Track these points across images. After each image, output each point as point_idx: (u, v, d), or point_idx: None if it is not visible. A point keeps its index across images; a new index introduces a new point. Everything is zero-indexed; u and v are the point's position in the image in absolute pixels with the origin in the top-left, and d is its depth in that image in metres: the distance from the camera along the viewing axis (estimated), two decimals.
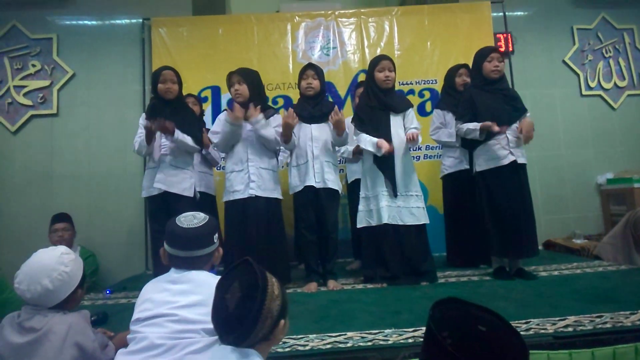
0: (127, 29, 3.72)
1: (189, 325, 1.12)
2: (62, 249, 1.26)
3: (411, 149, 2.98)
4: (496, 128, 2.28)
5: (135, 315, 1.18)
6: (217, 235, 1.29)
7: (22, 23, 3.63)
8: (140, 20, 3.71)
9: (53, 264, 1.19)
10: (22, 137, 3.58)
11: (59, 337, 1.11)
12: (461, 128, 2.43)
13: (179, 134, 2.35)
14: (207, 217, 1.29)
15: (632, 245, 2.61)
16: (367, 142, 2.35)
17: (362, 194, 2.45)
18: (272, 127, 2.38)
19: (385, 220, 2.30)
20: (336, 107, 2.43)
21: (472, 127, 2.36)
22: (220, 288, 0.97)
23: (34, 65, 3.60)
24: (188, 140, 2.39)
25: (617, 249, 2.67)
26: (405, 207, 2.34)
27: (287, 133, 2.35)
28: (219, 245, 1.33)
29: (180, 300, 1.15)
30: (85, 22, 3.71)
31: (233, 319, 0.90)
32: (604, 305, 1.69)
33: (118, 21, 3.74)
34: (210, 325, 1.10)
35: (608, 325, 1.46)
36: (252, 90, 2.38)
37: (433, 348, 0.63)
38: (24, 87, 3.58)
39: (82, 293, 1.29)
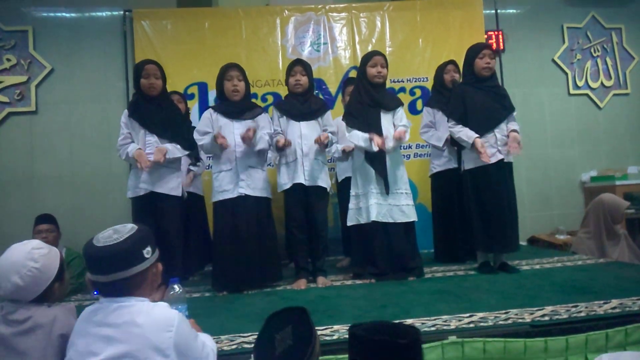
0: (108, 21, 3.56)
1: None
2: (34, 243, 1.23)
3: (401, 147, 2.98)
4: (486, 159, 2.28)
5: None
6: (149, 248, 1.07)
7: None
8: (122, 12, 3.54)
9: (22, 260, 1.17)
10: None
11: (44, 330, 1.11)
12: (454, 132, 2.44)
13: (169, 154, 2.30)
14: (135, 228, 1.07)
15: (604, 235, 2.71)
16: (359, 137, 2.34)
17: (352, 192, 2.46)
18: (264, 137, 2.36)
19: (373, 218, 2.32)
20: (323, 134, 2.39)
21: (465, 139, 2.37)
22: (271, 322, 0.96)
23: (8, 60, 3.41)
24: (177, 152, 2.36)
25: (592, 241, 2.77)
26: (396, 205, 2.36)
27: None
28: (157, 260, 1.10)
29: (104, 350, 0.97)
30: (63, 14, 3.53)
31: None
32: (580, 296, 1.77)
33: (98, 13, 3.56)
34: None
35: (582, 314, 1.54)
36: (247, 88, 2.42)
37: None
38: None
39: (62, 286, 1.26)
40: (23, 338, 1.11)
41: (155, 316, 1.00)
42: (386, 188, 2.34)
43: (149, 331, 0.98)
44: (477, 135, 2.34)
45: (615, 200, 2.71)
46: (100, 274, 1.02)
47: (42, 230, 2.86)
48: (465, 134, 2.38)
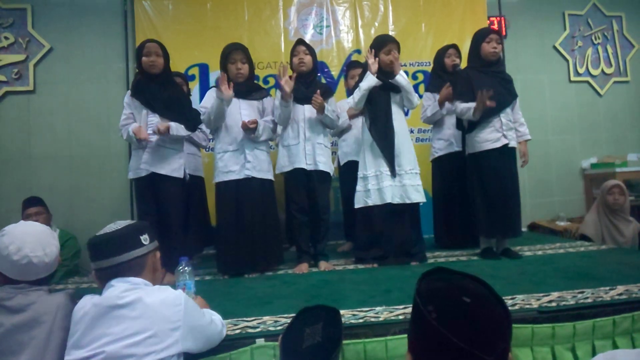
0: (108, 0, 3.50)
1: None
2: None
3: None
4: (488, 103, 2.25)
5: (73, 355, 1.00)
6: (146, 236, 1.14)
7: None
8: None
9: (47, 236, 1.17)
10: None
11: (47, 322, 1.07)
12: (457, 107, 2.42)
13: (172, 130, 2.26)
14: (133, 222, 1.17)
15: (608, 213, 2.76)
16: (366, 82, 2.33)
17: (359, 174, 2.43)
18: (268, 127, 2.34)
19: (388, 200, 2.29)
20: (317, 92, 2.36)
21: (467, 107, 2.35)
22: (303, 316, 0.98)
23: (6, 38, 3.35)
24: (181, 130, 2.30)
25: (597, 223, 2.81)
26: (411, 185, 2.34)
27: (287, 94, 2.27)
28: (156, 249, 1.18)
29: (117, 329, 0.99)
30: None
31: (303, 356, 0.92)
32: (586, 282, 1.75)
33: None
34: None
35: (589, 300, 1.52)
36: (251, 69, 2.39)
37: (420, 322, 0.62)
38: None
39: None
40: (26, 330, 1.06)
41: (163, 294, 1.06)
42: (391, 170, 2.32)
43: (159, 307, 1.02)
44: None
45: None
46: (102, 258, 1.09)
47: (32, 214, 2.76)
48: (463, 105, 2.37)
